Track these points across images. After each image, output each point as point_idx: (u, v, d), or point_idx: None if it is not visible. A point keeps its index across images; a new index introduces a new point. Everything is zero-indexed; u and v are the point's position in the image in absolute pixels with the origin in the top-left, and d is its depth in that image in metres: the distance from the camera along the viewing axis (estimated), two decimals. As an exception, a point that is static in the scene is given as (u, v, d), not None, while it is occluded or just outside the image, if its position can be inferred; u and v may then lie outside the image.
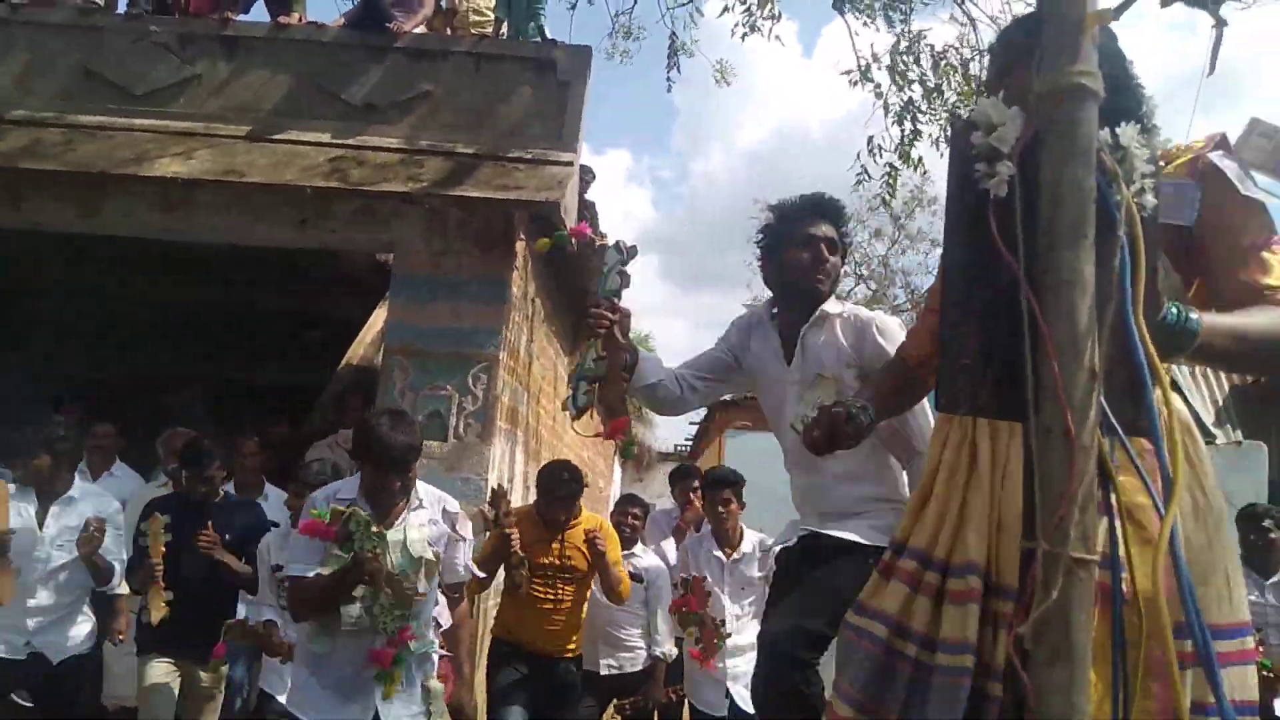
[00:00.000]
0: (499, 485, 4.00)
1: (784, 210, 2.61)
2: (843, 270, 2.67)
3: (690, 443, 20.14)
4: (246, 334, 7.85)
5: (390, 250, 5.26)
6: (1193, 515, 1.53)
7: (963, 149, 1.43)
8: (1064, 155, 1.22)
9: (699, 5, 9.65)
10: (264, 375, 8.13)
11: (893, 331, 2.48)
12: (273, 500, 4.48)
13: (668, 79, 9.08)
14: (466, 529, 3.20)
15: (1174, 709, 1.33)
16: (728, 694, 4.45)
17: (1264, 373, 4.73)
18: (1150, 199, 1.37)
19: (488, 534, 3.96)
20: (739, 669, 4.35)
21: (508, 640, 4.17)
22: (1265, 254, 1.62)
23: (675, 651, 4.65)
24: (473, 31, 5.95)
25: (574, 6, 9.45)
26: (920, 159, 8.36)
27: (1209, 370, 6.07)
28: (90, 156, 5.05)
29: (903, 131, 8.31)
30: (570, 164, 5.26)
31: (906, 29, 8.40)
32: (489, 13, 6.09)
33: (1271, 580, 4.47)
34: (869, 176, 8.52)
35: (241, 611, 4.22)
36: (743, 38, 8.77)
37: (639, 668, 4.60)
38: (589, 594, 4.28)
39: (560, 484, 4.07)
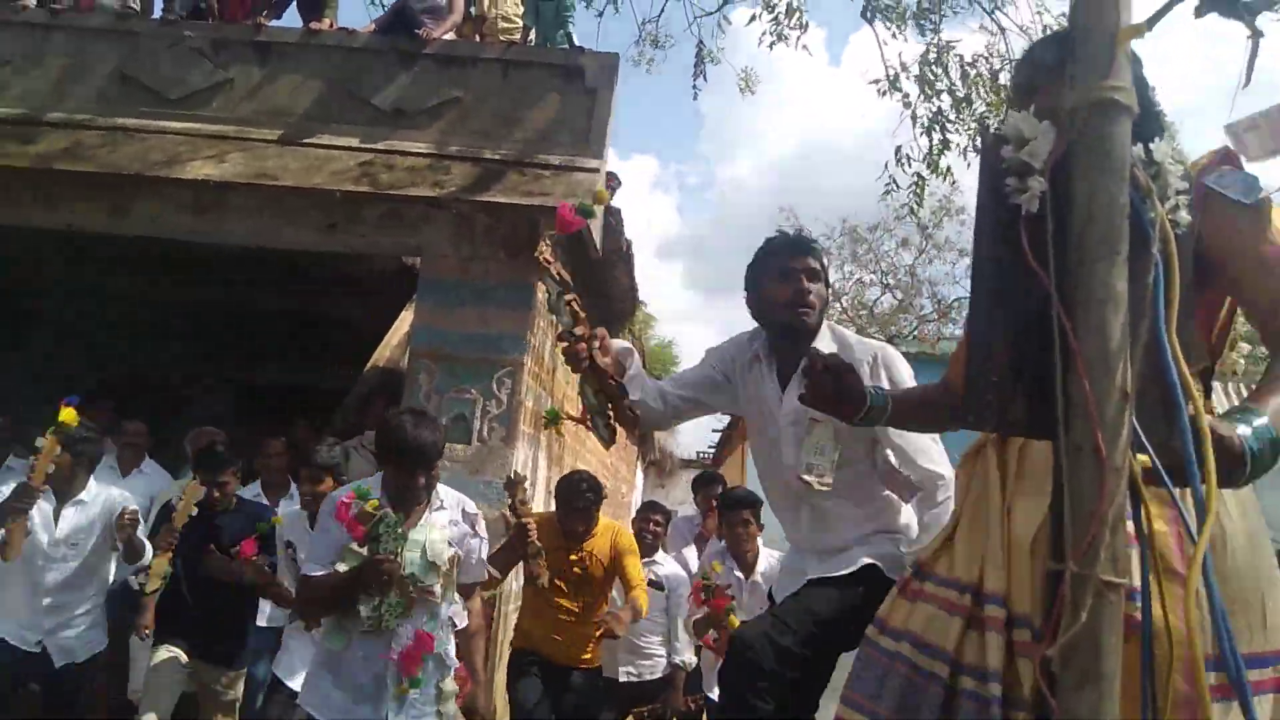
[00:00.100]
0: (515, 472, 3.95)
1: (761, 250, 2.57)
2: (829, 300, 2.60)
3: (713, 449, 20.12)
4: (247, 334, 7.90)
5: (418, 255, 5.30)
6: (1221, 541, 1.50)
7: (993, 163, 1.41)
8: (1097, 170, 1.20)
9: (726, 14, 9.60)
10: (264, 375, 8.20)
11: (896, 366, 2.43)
12: (298, 500, 4.50)
13: (694, 87, 9.11)
14: (484, 529, 3.20)
15: None
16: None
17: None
18: (1184, 215, 1.35)
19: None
20: None
21: (527, 650, 4.17)
22: None
23: (695, 660, 4.62)
24: (501, 38, 5.98)
25: (601, 14, 9.52)
26: (949, 168, 8.31)
27: (1241, 385, 5.93)
28: (125, 159, 5.13)
29: (931, 141, 8.26)
30: (597, 170, 5.27)
31: (936, 39, 8.36)
32: (518, 20, 6.12)
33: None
34: (897, 186, 8.48)
35: (266, 609, 4.26)
36: (770, 46, 8.79)
37: (658, 675, 4.59)
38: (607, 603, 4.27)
39: (578, 495, 4.07)
